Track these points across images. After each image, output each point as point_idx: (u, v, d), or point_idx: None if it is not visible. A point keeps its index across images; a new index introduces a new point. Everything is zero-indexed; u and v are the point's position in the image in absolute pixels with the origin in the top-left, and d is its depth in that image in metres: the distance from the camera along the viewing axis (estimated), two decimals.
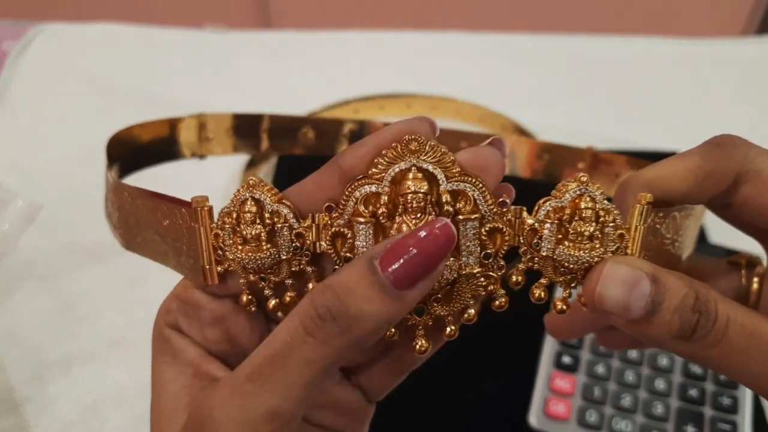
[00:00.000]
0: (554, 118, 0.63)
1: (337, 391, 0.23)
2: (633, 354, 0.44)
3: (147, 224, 0.22)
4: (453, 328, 0.21)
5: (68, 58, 0.73)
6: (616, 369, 0.44)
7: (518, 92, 0.67)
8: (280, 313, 0.21)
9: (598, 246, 0.19)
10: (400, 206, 0.19)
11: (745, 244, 0.50)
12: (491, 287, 0.21)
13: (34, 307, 0.51)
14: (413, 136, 0.19)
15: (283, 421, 0.18)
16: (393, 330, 0.21)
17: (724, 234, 0.54)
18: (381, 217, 0.20)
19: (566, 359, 0.44)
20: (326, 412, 0.23)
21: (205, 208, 0.20)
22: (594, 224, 0.19)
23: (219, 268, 0.21)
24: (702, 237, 0.54)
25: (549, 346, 0.45)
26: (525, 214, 0.20)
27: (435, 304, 0.21)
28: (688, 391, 0.43)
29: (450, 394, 0.46)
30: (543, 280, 0.21)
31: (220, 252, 0.21)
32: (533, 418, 0.42)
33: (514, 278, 0.21)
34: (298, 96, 0.68)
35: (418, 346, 0.21)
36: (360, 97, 0.64)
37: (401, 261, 0.18)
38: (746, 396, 0.43)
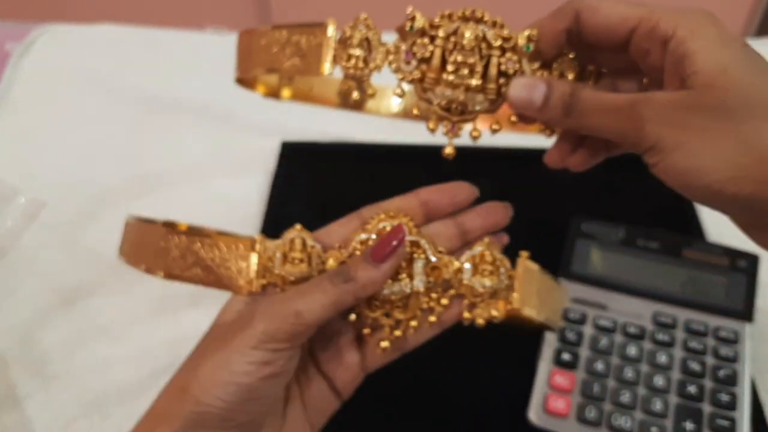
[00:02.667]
0: None
1: (343, 349, 0.33)
2: (632, 351, 0.44)
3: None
4: (400, 332, 0.32)
5: (71, 59, 0.73)
6: (616, 366, 0.44)
7: None
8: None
9: (496, 281, 0.32)
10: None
11: (742, 242, 0.51)
12: (431, 304, 0.32)
13: (36, 303, 0.51)
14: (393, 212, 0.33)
15: (300, 321, 0.28)
16: (354, 316, 0.32)
17: (719, 232, 0.54)
18: None
19: (566, 356, 0.44)
20: (331, 363, 0.33)
21: (259, 243, 0.31)
22: (491, 266, 0.32)
23: (263, 281, 0.31)
24: (700, 235, 0.54)
25: (549, 344, 0.45)
26: (453, 259, 0.32)
27: (396, 311, 0.32)
28: (687, 388, 0.43)
29: (450, 391, 0.46)
30: (465, 301, 0.32)
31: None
32: (533, 415, 0.43)
33: (444, 300, 0.32)
34: None
35: (381, 344, 0.32)
36: None
37: (377, 247, 0.30)
38: (745, 393, 0.43)
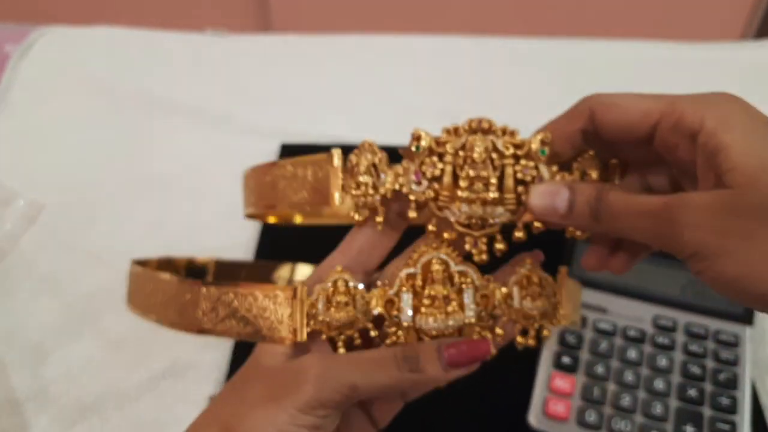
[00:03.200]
0: None
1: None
2: (632, 355, 0.44)
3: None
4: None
5: (70, 61, 0.73)
6: (616, 369, 0.44)
7: (516, 95, 0.67)
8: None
9: (545, 301, 0.30)
10: (429, 280, 0.30)
11: None
12: (483, 333, 0.31)
13: (35, 306, 0.51)
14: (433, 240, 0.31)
15: (354, 395, 0.27)
16: None
17: None
18: (416, 287, 0.30)
19: (565, 359, 0.44)
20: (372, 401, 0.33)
21: (300, 290, 0.30)
22: (539, 287, 0.30)
23: (308, 329, 0.30)
24: None
25: (548, 347, 0.45)
26: (500, 285, 0.31)
27: None
28: (687, 392, 0.43)
29: (449, 394, 0.46)
30: (518, 326, 0.31)
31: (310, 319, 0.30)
32: (533, 418, 0.43)
33: (499, 330, 0.31)
34: (298, 99, 0.69)
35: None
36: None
37: (456, 355, 0.29)
38: (745, 396, 0.43)
